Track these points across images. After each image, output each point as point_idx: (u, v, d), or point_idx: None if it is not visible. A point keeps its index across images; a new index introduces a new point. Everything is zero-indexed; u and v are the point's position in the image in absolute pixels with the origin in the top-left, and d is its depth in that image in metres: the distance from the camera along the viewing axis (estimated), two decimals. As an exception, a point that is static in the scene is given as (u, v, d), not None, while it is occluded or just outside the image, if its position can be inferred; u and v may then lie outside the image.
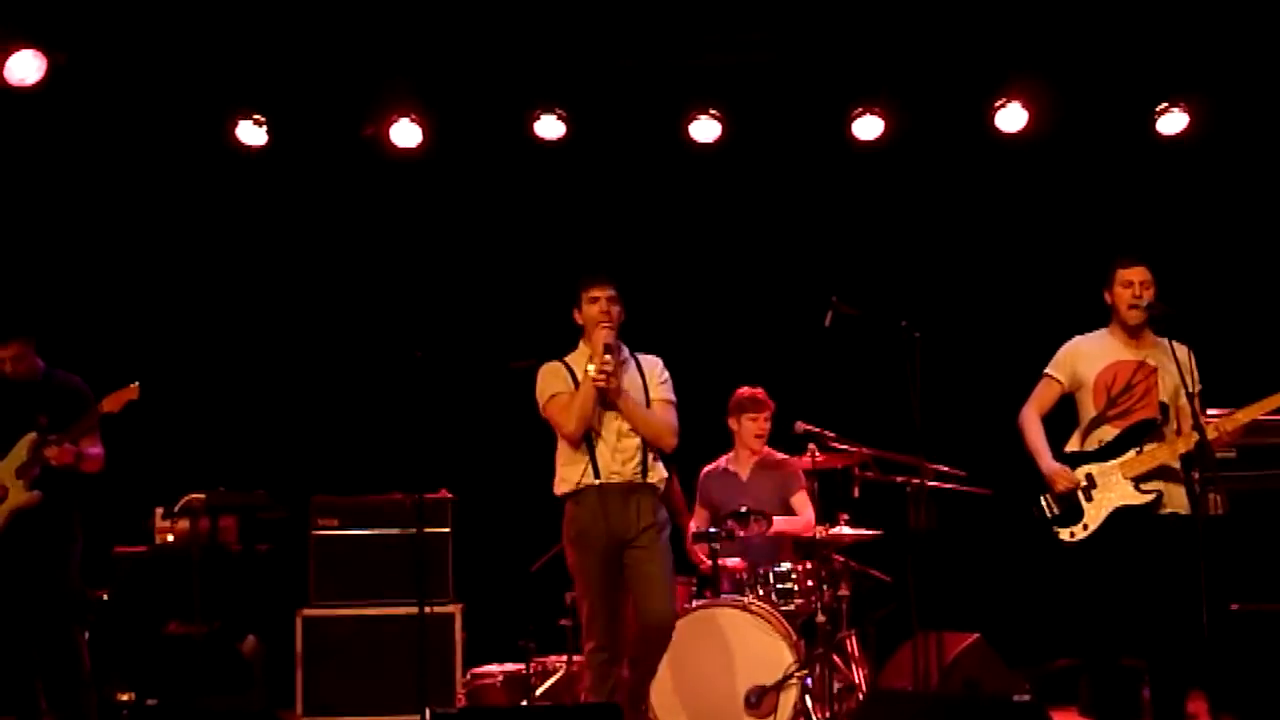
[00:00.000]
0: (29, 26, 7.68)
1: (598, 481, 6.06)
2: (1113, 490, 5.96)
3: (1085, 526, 6.00)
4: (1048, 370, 6.24)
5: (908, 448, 6.76)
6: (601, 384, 5.99)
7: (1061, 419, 6.24)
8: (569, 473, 6.15)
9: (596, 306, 6.11)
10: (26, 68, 7.71)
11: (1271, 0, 7.74)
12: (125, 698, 7.72)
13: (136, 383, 6.62)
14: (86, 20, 7.79)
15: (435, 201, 8.94)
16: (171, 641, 7.88)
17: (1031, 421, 6.24)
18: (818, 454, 6.99)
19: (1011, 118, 8.30)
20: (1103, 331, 6.17)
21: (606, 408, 6.07)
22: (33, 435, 6.61)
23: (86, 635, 6.81)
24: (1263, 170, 8.42)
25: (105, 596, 7.92)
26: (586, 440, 6.09)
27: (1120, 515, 5.94)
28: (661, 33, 8.16)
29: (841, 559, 7.15)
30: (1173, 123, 8.27)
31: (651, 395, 6.17)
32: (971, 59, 8.24)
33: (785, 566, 6.91)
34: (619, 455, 6.08)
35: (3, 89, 7.75)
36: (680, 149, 8.55)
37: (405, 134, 8.46)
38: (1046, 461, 6.11)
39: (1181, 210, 8.41)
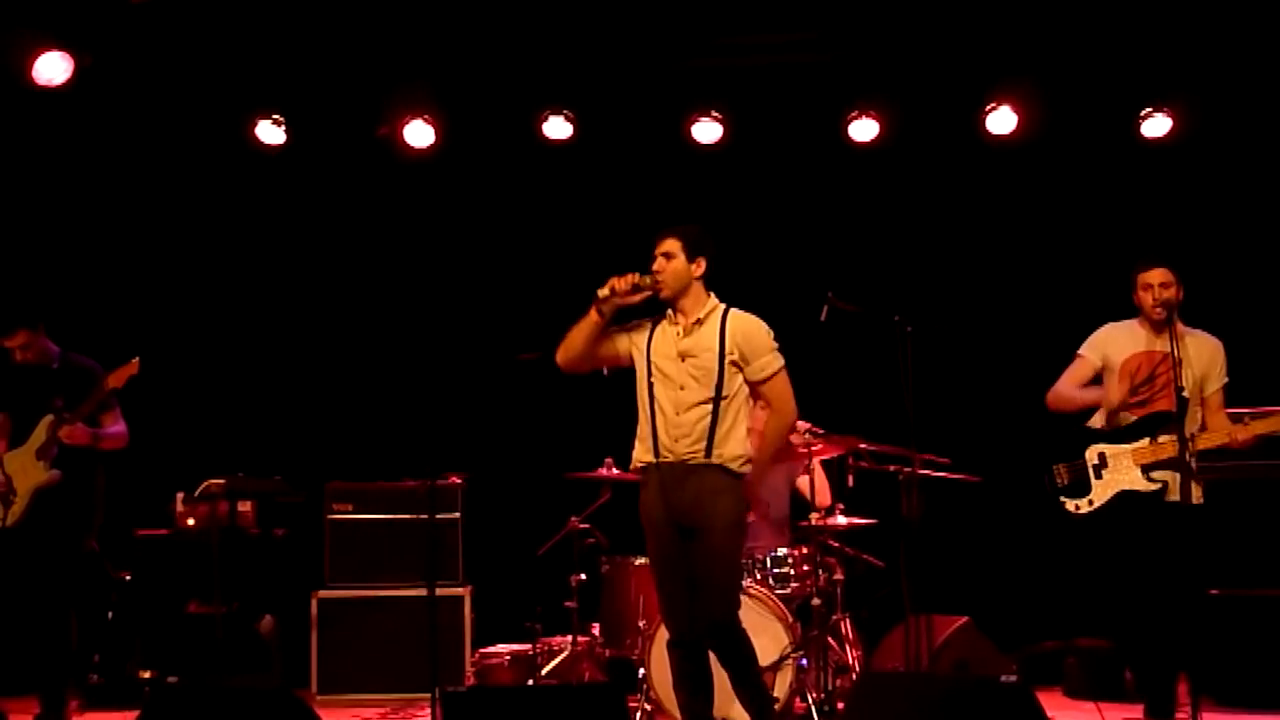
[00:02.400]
0: (57, 29, 7.67)
1: (656, 461, 5.47)
2: (1122, 473, 6.04)
3: (1090, 502, 6.10)
4: (1081, 350, 6.34)
5: (900, 438, 6.75)
6: (603, 294, 5.45)
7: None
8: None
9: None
10: (54, 69, 7.70)
11: (1251, 6, 7.72)
12: (147, 675, 7.73)
13: (137, 358, 6.67)
14: (112, 23, 7.77)
15: (447, 199, 8.93)
16: (192, 621, 7.90)
17: (1065, 387, 6.29)
18: (814, 444, 6.98)
19: (1001, 121, 8.29)
20: (1134, 321, 6.24)
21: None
22: (50, 417, 6.68)
23: (111, 616, 6.82)
24: (1244, 171, 8.41)
25: (128, 578, 7.93)
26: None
27: (1124, 499, 6.01)
28: (665, 38, 8.15)
29: (836, 545, 7.14)
30: (1156, 126, 8.26)
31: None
32: (963, 64, 8.22)
33: (782, 552, 6.90)
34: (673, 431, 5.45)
35: (31, 89, 7.73)
36: (683, 149, 8.55)
37: (418, 134, 8.46)
38: (1111, 394, 6.09)
39: (1165, 211, 8.39)
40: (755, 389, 5.54)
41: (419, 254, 8.93)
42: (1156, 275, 6.07)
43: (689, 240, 5.57)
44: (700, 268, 5.57)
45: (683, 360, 5.48)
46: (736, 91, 8.43)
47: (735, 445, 5.44)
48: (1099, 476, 6.09)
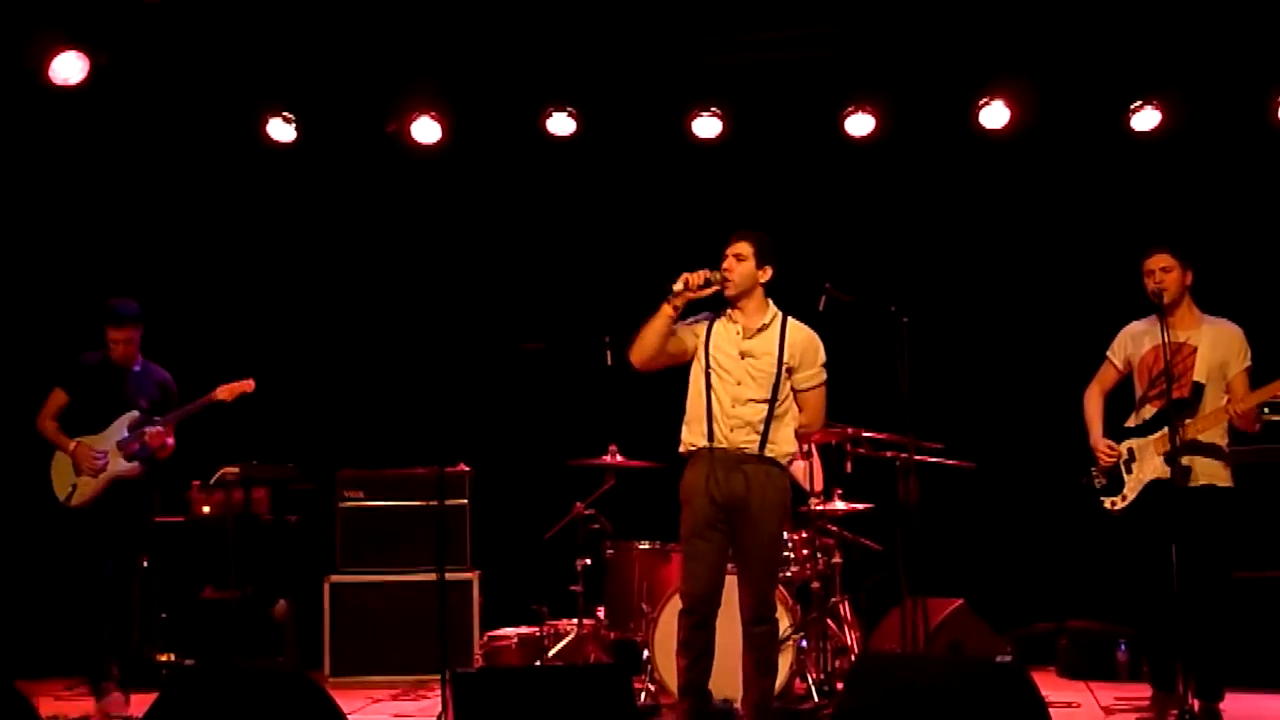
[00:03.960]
0: (73, 29, 7.66)
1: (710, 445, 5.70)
2: (1149, 464, 6.05)
3: (1124, 497, 6.12)
4: (1107, 354, 6.36)
5: (896, 425, 6.74)
6: (677, 289, 5.62)
7: (1123, 400, 6.33)
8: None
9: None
10: (70, 68, 7.69)
11: (1234, 3, 7.70)
12: (165, 658, 7.75)
13: (252, 378, 6.95)
14: (127, 23, 7.76)
15: (453, 194, 8.93)
16: (208, 606, 7.91)
17: (1091, 400, 6.36)
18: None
19: (994, 115, 8.27)
20: (1153, 315, 6.17)
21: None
22: (134, 414, 6.90)
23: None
24: (1230, 162, 8.40)
25: (146, 564, 7.93)
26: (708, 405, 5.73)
27: (1154, 487, 6.02)
28: (666, 36, 8.13)
29: (835, 530, 7.14)
30: (1146, 119, 8.24)
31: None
32: (957, 61, 8.21)
33: (783, 537, 6.89)
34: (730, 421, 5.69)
35: (49, 88, 7.73)
36: (684, 144, 8.54)
37: (426, 130, 8.46)
38: (1093, 437, 6.24)
39: (1154, 202, 8.38)
40: (796, 394, 5.81)
41: (427, 247, 8.93)
42: (1156, 260, 6.06)
43: (761, 246, 5.80)
44: (766, 274, 5.80)
45: (743, 358, 5.72)
46: (736, 88, 8.42)
47: (785, 443, 5.75)
48: (1129, 471, 6.11)
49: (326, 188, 8.91)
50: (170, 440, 6.97)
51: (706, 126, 8.44)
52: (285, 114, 8.36)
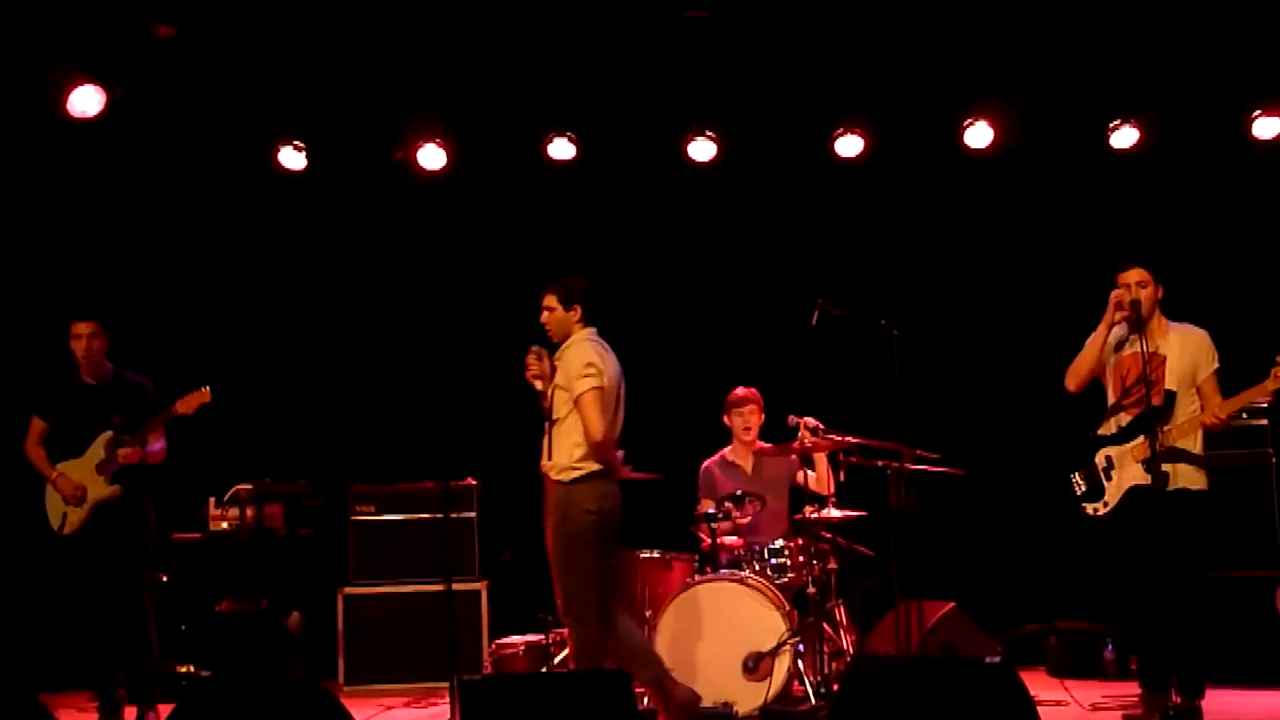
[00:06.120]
0: (89, 64, 7.68)
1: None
2: (1128, 471, 6.03)
3: (1106, 504, 6.09)
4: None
5: (888, 435, 6.73)
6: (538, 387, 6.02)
7: (1084, 408, 6.31)
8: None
9: None
10: (87, 101, 7.71)
11: (1209, 27, 7.71)
12: (184, 669, 7.73)
13: (207, 387, 6.64)
14: (142, 57, 7.78)
15: (458, 217, 8.93)
16: (224, 618, 7.90)
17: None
18: (808, 440, 6.97)
19: (979, 135, 8.27)
20: (1124, 325, 6.14)
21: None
22: (109, 434, 6.65)
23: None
24: (1206, 177, 8.41)
25: (165, 579, 7.93)
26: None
27: (1134, 494, 6.00)
28: (661, 63, 8.14)
29: (830, 536, 7.13)
30: (1125, 137, 8.25)
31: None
32: (942, 83, 8.21)
33: (779, 544, 6.89)
34: None
35: (67, 121, 7.74)
36: (680, 167, 8.54)
37: (431, 157, 8.46)
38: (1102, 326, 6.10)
39: (1134, 217, 8.39)
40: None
41: (433, 269, 8.92)
42: (1133, 275, 6.04)
43: (563, 292, 6.06)
44: (577, 313, 6.05)
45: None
46: (729, 112, 8.43)
47: (563, 458, 5.91)
48: (1109, 478, 6.09)
49: (336, 213, 8.91)
50: (157, 445, 6.77)
51: (701, 150, 8.44)
52: (296, 143, 8.36)
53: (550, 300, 6.05)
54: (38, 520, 6.75)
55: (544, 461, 5.97)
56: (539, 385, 5.97)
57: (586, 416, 5.81)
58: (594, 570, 5.90)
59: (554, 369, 6.00)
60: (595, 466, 5.86)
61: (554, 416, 5.91)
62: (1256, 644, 6.98)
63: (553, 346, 6.10)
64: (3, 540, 8.09)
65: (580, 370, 5.85)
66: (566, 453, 5.87)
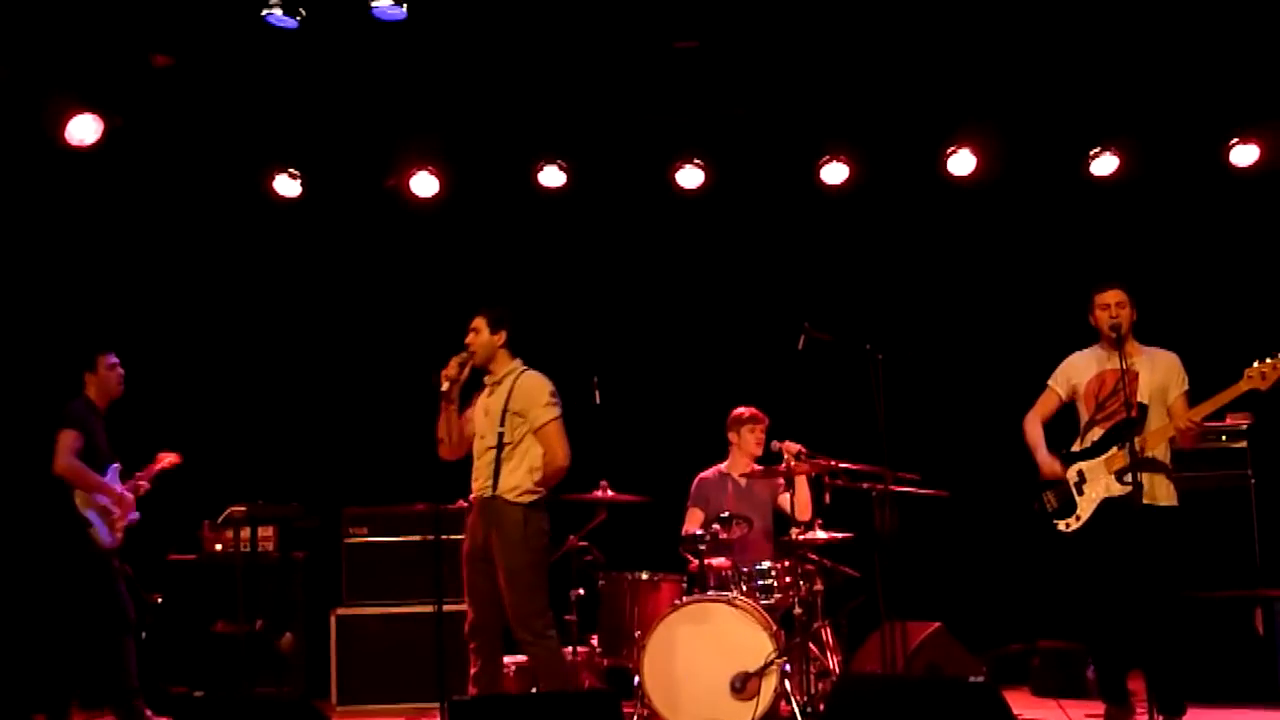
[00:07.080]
0: (87, 93, 7.70)
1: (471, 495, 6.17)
2: (1099, 484, 6.08)
3: (1078, 518, 6.14)
4: (1049, 382, 6.42)
5: (872, 457, 6.74)
6: (444, 388, 6.05)
7: (1064, 427, 6.36)
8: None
9: None
10: (85, 130, 7.73)
11: (1184, 59, 7.77)
12: (178, 690, 7.70)
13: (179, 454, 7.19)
14: (139, 87, 7.80)
15: (451, 244, 8.94)
16: (219, 639, 7.87)
17: (1031, 424, 6.41)
18: (793, 464, 6.97)
19: (962, 163, 8.33)
20: (1094, 346, 6.31)
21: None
22: (118, 465, 6.85)
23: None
24: (1183, 203, 8.47)
25: (160, 600, 7.89)
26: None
27: (1106, 506, 6.05)
28: (650, 92, 8.18)
29: (816, 558, 7.12)
30: (1104, 165, 8.30)
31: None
32: (925, 112, 8.27)
33: (765, 565, 6.88)
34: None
35: (65, 149, 7.75)
36: (669, 194, 8.58)
37: (424, 185, 8.49)
38: (1041, 454, 6.28)
39: (1113, 242, 8.43)
40: (535, 434, 6.06)
41: (425, 294, 8.93)
42: (1111, 295, 6.15)
43: (492, 317, 6.18)
44: (502, 338, 6.17)
45: (486, 414, 6.12)
46: (717, 140, 8.47)
47: (515, 481, 6.00)
48: (1081, 493, 6.15)
49: (331, 239, 8.92)
50: (171, 458, 7.12)
51: (689, 177, 8.48)
52: (291, 171, 8.39)
53: (479, 323, 6.18)
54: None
55: (481, 483, 6.04)
56: (445, 386, 6.04)
57: (554, 444, 6.01)
58: (545, 588, 6.07)
59: (485, 389, 6.15)
60: (544, 491, 6.05)
61: (504, 441, 6.00)
62: (1237, 663, 7.02)
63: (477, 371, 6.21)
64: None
65: (546, 399, 6.05)
66: (523, 476, 6.00)
